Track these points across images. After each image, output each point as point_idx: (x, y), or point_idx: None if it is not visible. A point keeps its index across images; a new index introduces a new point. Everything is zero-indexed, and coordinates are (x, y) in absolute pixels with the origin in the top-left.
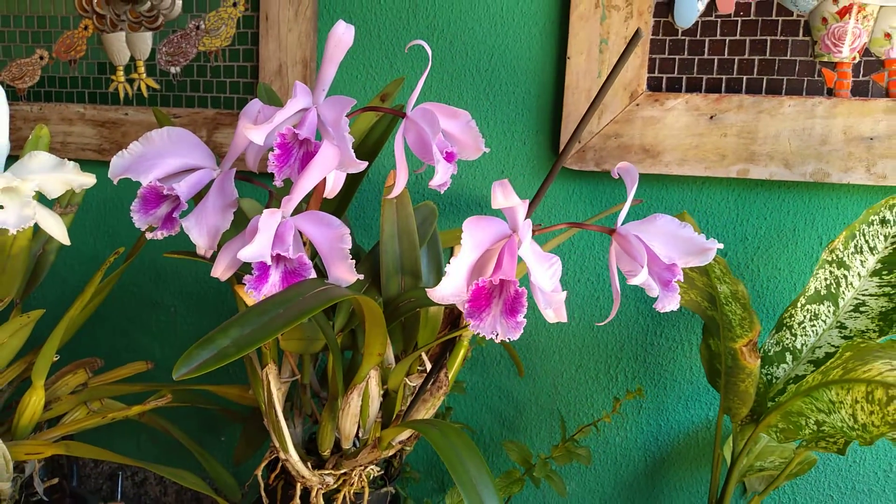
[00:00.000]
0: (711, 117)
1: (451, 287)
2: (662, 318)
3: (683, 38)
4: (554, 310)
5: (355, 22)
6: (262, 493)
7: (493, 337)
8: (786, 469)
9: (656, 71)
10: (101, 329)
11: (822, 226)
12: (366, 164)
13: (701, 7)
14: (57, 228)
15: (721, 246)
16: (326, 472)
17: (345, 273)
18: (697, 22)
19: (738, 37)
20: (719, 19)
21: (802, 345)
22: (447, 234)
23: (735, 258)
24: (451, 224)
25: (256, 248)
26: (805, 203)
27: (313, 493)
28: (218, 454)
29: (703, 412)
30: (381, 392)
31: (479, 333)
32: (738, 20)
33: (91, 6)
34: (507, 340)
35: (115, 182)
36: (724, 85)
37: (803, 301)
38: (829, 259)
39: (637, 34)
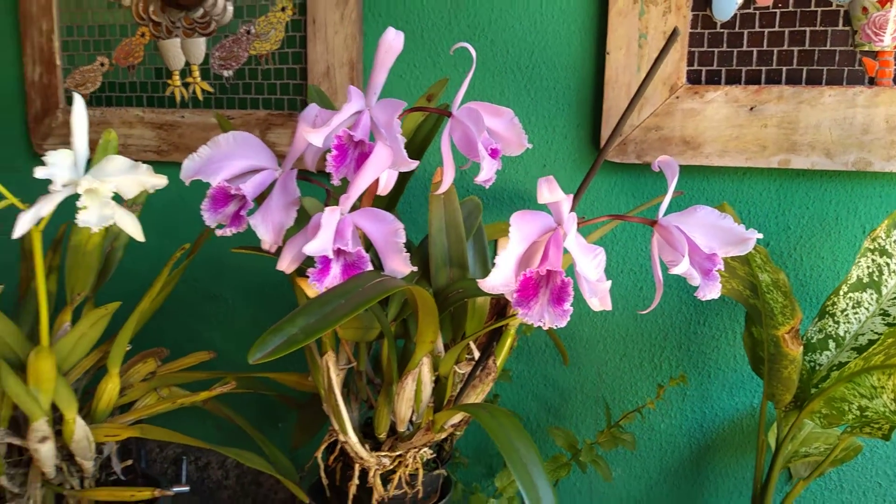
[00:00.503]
0: (751, 108)
1: (501, 277)
2: (705, 307)
3: (722, 30)
4: (599, 298)
5: (399, 24)
6: (322, 475)
7: (541, 324)
8: (830, 455)
9: (696, 64)
10: (165, 321)
11: (865, 214)
12: (417, 163)
13: (739, 0)
14: (132, 226)
15: (760, 236)
16: (383, 453)
17: (399, 265)
18: (736, 14)
19: (776, 28)
20: (758, 11)
21: (845, 332)
22: (492, 228)
23: (777, 247)
24: (496, 217)
25: (319, 244)
26: (847, 192)
27: (371, 474)
28: (275, 440)
29: (748, 399)
30: (433, 379)
31: (527, 321)
32: (776, 12)
33: (147, 14)
34: (554, 328)
35: (186, 183)
36: (763, 76)
37: (846, 289)
38: (872, 247)
39: (675, 32)
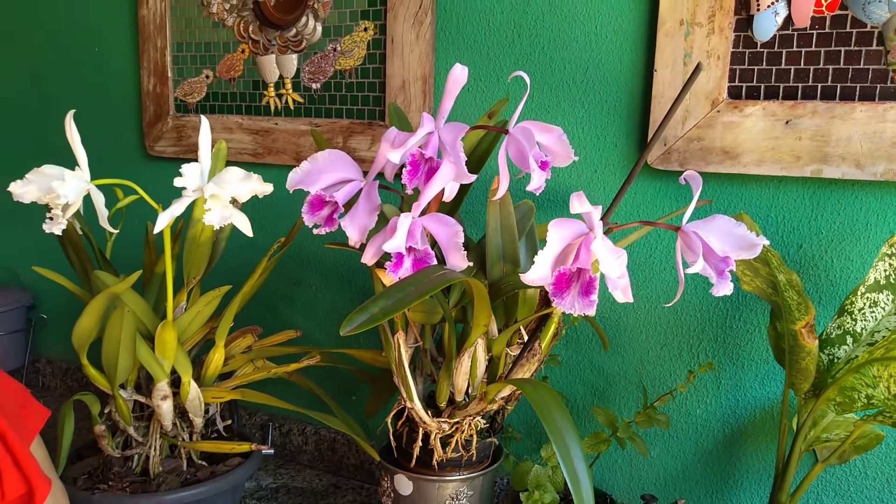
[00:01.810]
0: (787, 122)
1: (539, 272)
2: (741, 303)
3: (762, 50)
4: (621, 290)
5: (467, 42)
6: (391, 438)
7: (572, 312)
8: (847, 440)
9: (736, 80)
10: (257, 304)
11: (893, 221)
12: (475, 177)
13: (779, 22)
14: (243, 224)
15: (767, 242)
16: (443, 420)
17: (459, 260)
18: (775, 35)
19: (813, 48)
20: (796, 33)
21: (862, 329)
22: (545, 227)
23: (810, 250)
24: (551, 216)
25: (396, 242)
26: (876, 200)
27: (432, 437)
28: (350, 411)
29: (777, 389)
30: (487, 358)
31: (561, 309)
32: (813, 33)
33: (247, 33)
34: (583, 315)
35: (290, 192)
36: (799, 92)
37: (863, 290)
38: (889, 252)
39: (698, 67)
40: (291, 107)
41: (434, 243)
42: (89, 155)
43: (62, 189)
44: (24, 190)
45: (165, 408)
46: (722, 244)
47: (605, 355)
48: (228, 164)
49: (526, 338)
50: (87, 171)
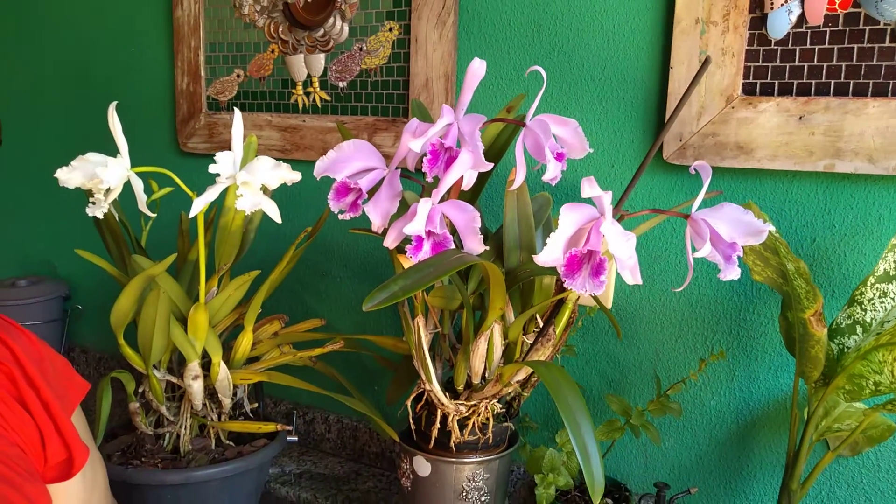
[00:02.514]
0: (800, 118)
1: (552, 254)
2: (754, 296)
3: (776, 47)
4: (630, 270)
5: (488, 41)
6: (410, 421)
7: (583, 292)
8: (857, 429)
9: (751, 77)
10: (283, 294)
11: None
12: (492, 165)
13: (792, 20)
14: (273, 210)
15: (773, 228)
16: (460, 402)
17: (475, 244)
18: (789, 33)
19: (826, 45)
20: (809, 30)
21: (872, 319)
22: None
23: (823, 244)
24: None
25: (416, 225)
26: (889, 194)
27: (450, 419)
28: (371, 400)
29: (790, 381)
30: (503, 343)
31: (573, 289)
32: (826, 31)
33: (277, 33)
34: (598, 305)
35: (318, 179)
36: (813, 89)
37: (873, 280)
38: None
39: (707, 61)
40: (319, 105)
41: (453, 231)
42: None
43: (105, 174)
44: (70, 176)
45: (196, 387)
46: (730, 230)
47: (620, 347)
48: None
49: (542, 324)
50: (127, 159)
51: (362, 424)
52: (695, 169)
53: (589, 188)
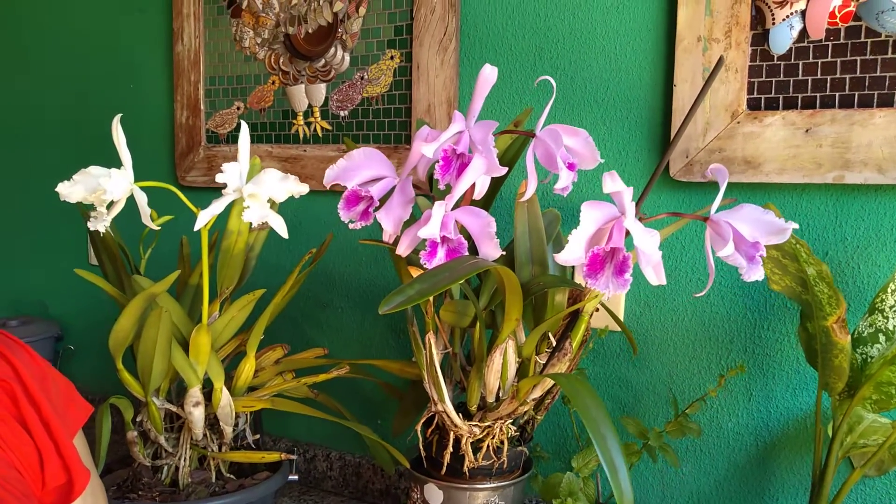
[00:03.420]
0: (807, 130)
1: (573, 253)
2: (768, 312)
3: (779, 62)
4: (653, 267)
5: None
6: (420, 447)
7: (607, 291)
8: (884, 444)
9: (755, 93)
10: (283, 325)
11: None
12: (506, 169)
13: (794, 35)
14: (279, 225)
15: (796, 226)
16: (474, 423)
17: (491, 249)
18: (791, 48)
19: (829, 59)
20: (811, 45)
21: (895, 326)
22: None
23: (836, 257)
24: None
25: (431, 229)
26: None
27: (463, 442)
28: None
29: (810, 399)
30: (517, 361)
31: (595, 289)
32: (828, 44)
33: (278, 65)
34: (607, 307)
35: (327, 187)
36: (818, 102)
37: (893, 287)
38: None
39: (720, 60)
40: (320, 134)
41: (467, 238)
42: None
43: (109, 185)
44: (71, 190)
45: (197, 414)
46: (751, 230)
47: (632, 369)
48: None
49: (555, 343)
50: (131, 172)
51: (365, 460)
52: (711, 173)
53: (611, 182)
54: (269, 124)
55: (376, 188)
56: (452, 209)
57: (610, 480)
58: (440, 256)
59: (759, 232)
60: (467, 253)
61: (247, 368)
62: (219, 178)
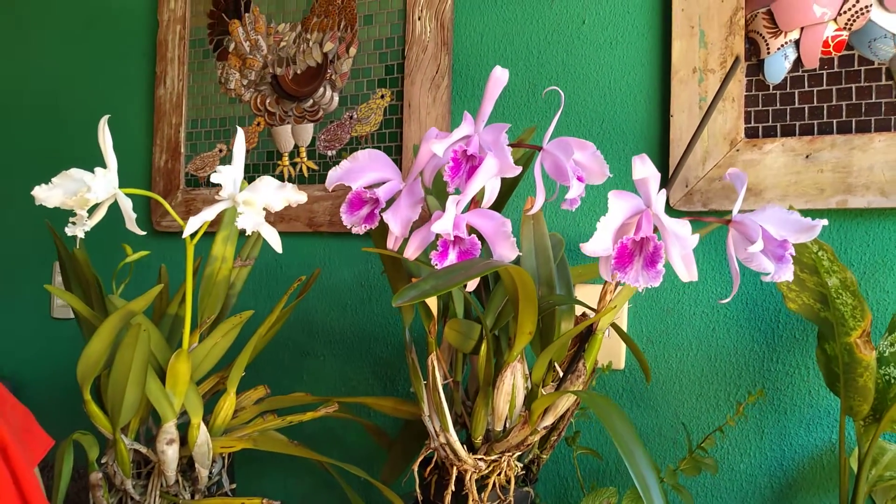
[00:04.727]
0: (807, 156)
1: (601, 243)
2: (778, 345)
3: (775, 91)
4: (684, 259)
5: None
6: (417, 490)
7: (637, 285)
8: None
9: (752, 122)
10: (262, 373)
11: None
12: (520, 169)
13: (788, 65)
14: (273, 237)
15: (826, 223)
16: (479, 457)
17: (507, 250)
18: (786, 77)
19: (824, 87)
20: (806, 73)
21: None
22: (576, 269)
23: None
24: (573, 263)
25: (444, 224)
26: None
27: (467, 478)
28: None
29: (826, 435)
30: (525, 388)
31: (625, 282)
32: (823, 73)
33: (264, 106)
34: (648, 287)
35: (330, 189)
36: (815, 129)
37: None
38: None
39: (737, 60)
40: (306, 174)
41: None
42: (97, 227)
43: (94, 183)
44: (49, 194)
45: (171, 454)
46: (778, 229)
47: (638, 413)
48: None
49: (561, 374)
50: (115, 176)
51: None
52: (728, 177)
53: (641, 165)
54: (252, 166)
55: (382, 191)
56: (462, 213)
57: (643, 497)
58: (451, 258)
59: (785, 230)
60: (481, 255)
61: (226, 406)
62: (213, 178)
